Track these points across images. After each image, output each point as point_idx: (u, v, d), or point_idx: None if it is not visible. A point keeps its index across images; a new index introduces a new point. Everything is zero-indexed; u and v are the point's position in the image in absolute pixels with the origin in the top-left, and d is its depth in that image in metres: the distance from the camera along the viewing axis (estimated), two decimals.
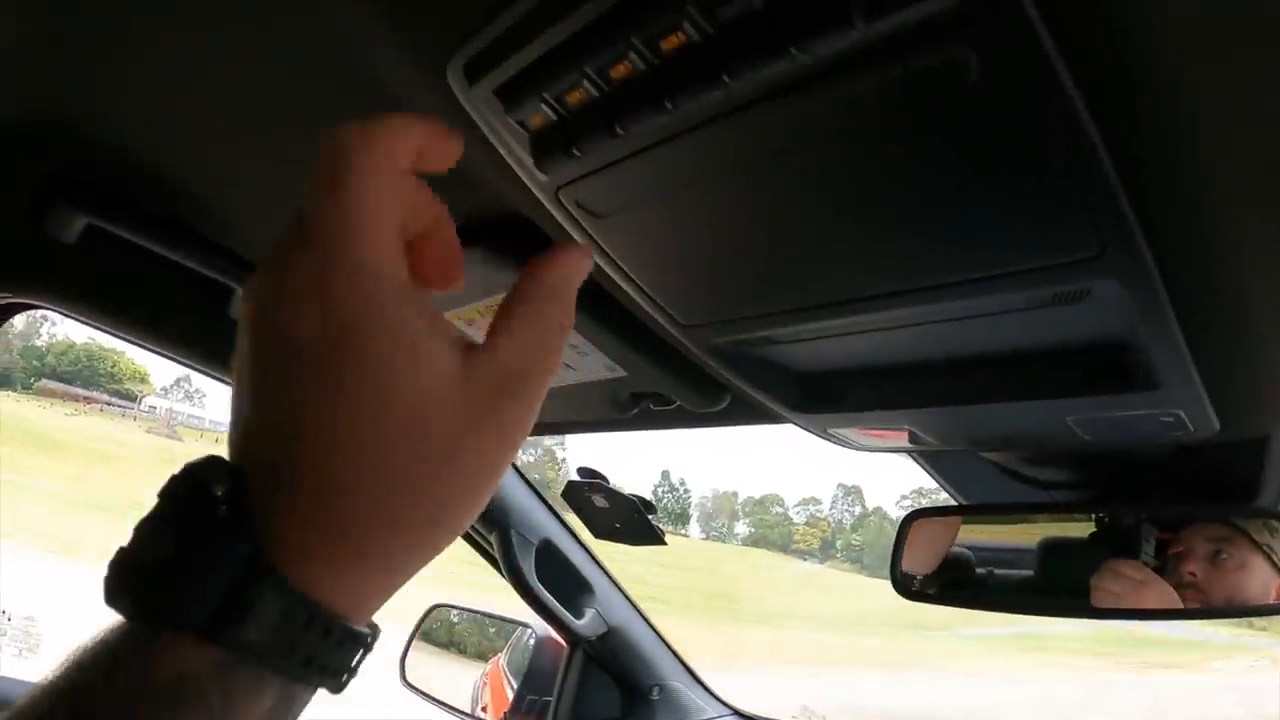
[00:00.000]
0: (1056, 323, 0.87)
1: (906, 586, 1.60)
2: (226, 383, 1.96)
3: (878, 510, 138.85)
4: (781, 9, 0.57)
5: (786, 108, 0.65)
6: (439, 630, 3.17)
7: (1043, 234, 0.71)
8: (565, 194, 0.85)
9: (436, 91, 0.81)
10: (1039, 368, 0.95)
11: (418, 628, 3.01)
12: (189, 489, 0.48)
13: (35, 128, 1.35)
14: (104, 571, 0.47)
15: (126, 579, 0.47)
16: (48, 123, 1.34)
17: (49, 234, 1.50)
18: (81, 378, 78.42)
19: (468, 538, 2.59)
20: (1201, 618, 1.37)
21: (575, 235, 0.92)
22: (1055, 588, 1.47)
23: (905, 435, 1.20)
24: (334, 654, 0.51)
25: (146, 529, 0.47)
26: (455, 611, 3.14)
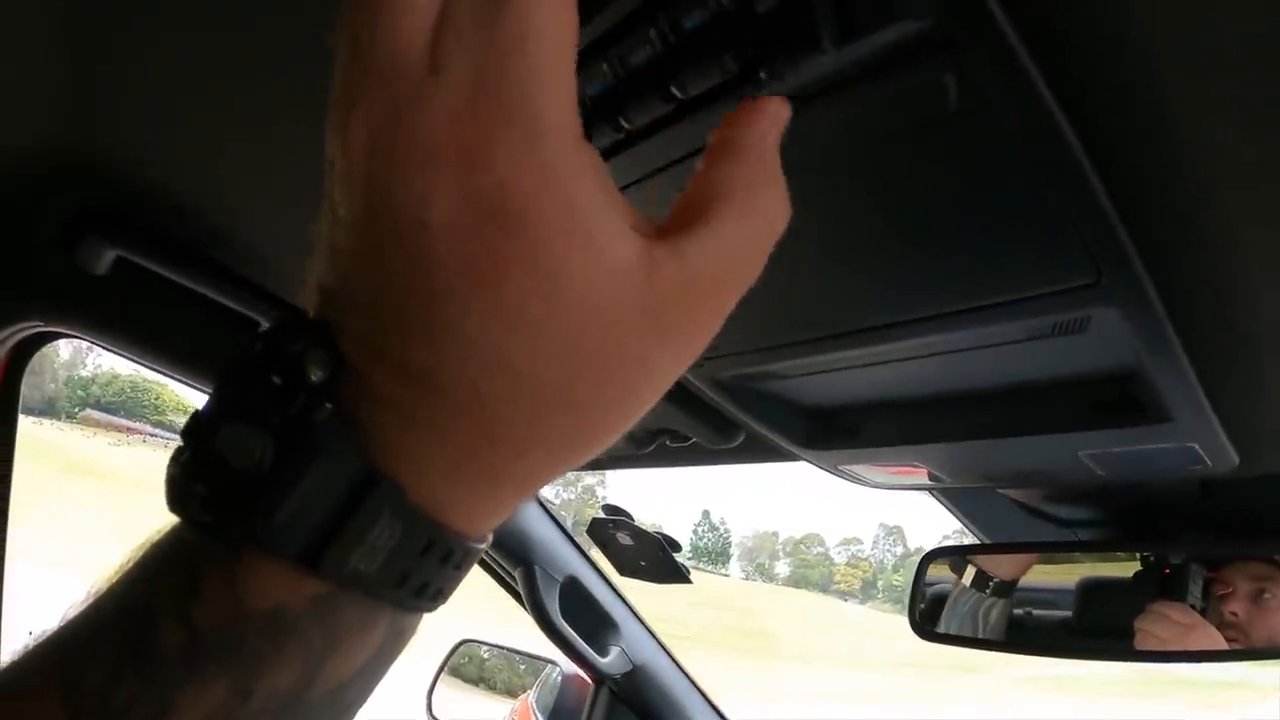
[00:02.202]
0: (1064, 354, 0.85)
1: (926, 628, 1.57)
2: None
3: (919, 550, 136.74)
4: (732, 34, 0.58)
5: None
6: (468, 666, 3.17)
7: (1036, 261, 0.70)
8: None
9: None
10: (1048, 401, 0.94)
11: (445, 662, 3.01)
12: (283, 373, 0.39)
13: (67, 160, 1.37)
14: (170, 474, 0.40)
15: (208, 487, 0.39)
16: (79, 155, 1.35)
17: (79, 265, 1.52)
18: (125, 408, 79.31)
19: (491, 572, 2.58)
20: (1245, 659, 1.33)
21: None
22: (1095, 629, 1.44)
23: (921, 472, 1.19)
24: (450, 578, 0.45)
25: (232, 425, 0.38)
26: (482, 648, 3.14)
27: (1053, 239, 0.67)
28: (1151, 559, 1.38)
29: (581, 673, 2.69)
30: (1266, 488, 1.26)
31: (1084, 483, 1.13)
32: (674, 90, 0.61)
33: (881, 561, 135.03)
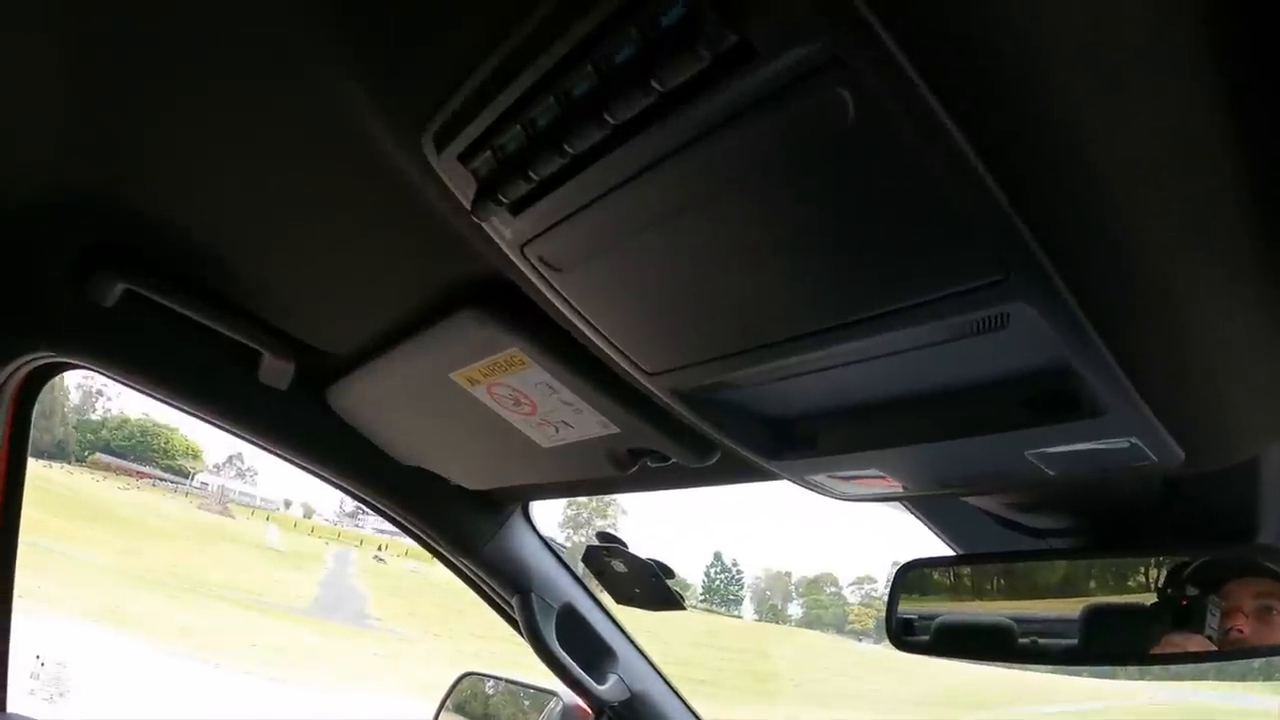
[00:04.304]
0: (997, 354, 0.89)
1: (903, 639, 1.59)
2: (252, 442, 2.03)
3: None
4: (654, 61, 0.64)
5: (696, 157, 0.72)
6: (473, 703, 3.16)
7: (947, 263, 0.74)
8: (529, 250, 0.94)
9: (421, 164, 0.93)
10: (988, 401, 0.97)
11: (448, 695, 3.02)
12: None
13: (77, 197, 1.44)
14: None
15: None
16: (89, 193, 1.42)
17: (89, 298, 1.58)
18: (135, 452, 78.98)
19: (488, 600, 2.62)
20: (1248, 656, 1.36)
21: (544, 290, 1.01)
22: (1103, 656, 1.47)
23: (885, 481, 1.21)
24: None
25: None
26: (486, 681, 3.14)
27: (959, 239, 0.71)
28: (1169, 591, 1.39)
29: (583, 703, 2.70)
30: (1230, 488, 1.29)
31: (1038, 483, 1.15)
32: (654, 84, 0.65)
33: None
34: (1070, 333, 0.80)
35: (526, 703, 3.42)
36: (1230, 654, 1.34)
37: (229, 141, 1.22)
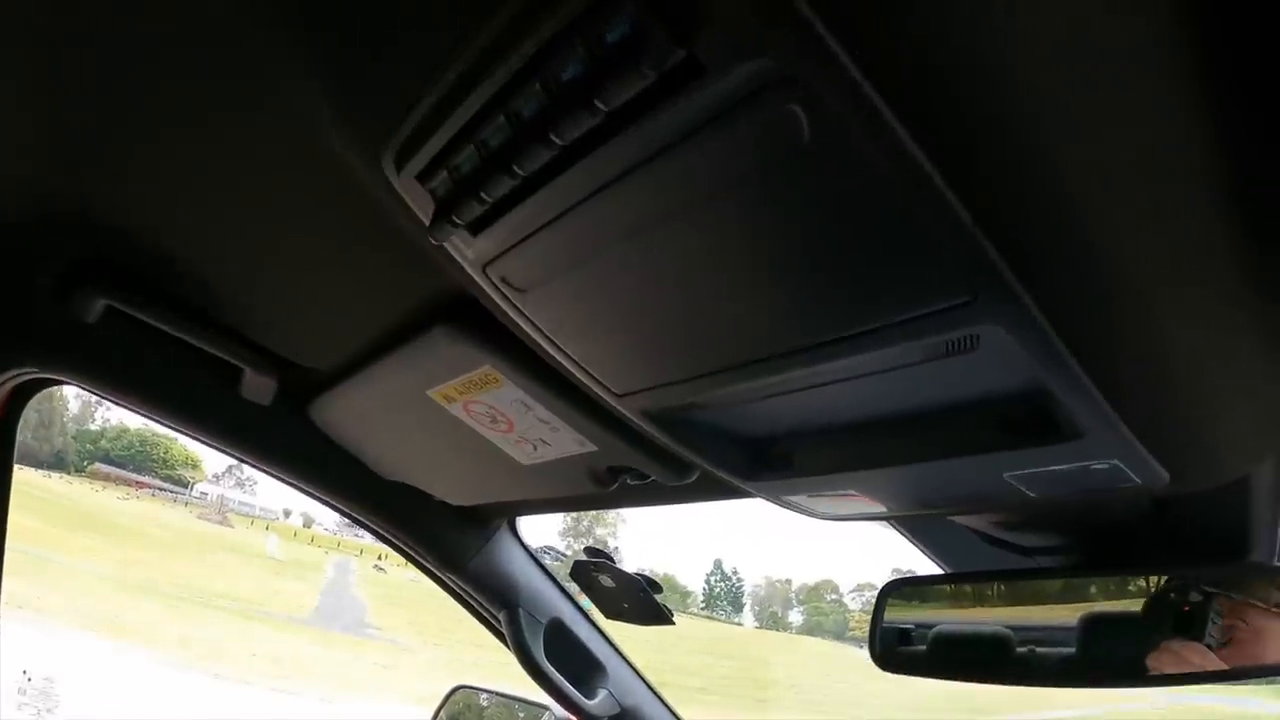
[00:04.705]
0: (971, 376, 0.88)
1: (889, 660, 1.58)
2: (238, 457, 2.05)
3: None
4: (600, 79, 0.63)
5: (650, 177, 0.71)
6: (466, 715, 3.15)
7: (914, 284, 0.73)
8: (492, 271, 0.94)
9: (384, 184, 0.93)
10: (965, 424, 0.96)
11: (440, 709, 3.00)
12: None
13: (59, 214, 1.44)
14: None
15: None
16: (71, 210, 1.42)
17: (71, 314, 1.58)
18: (134, 462, 79.06)
19: (476, 615, 2.60)
20: (1247, 678, 1.34)
21: (509, 311, 1.01)
22: (1099, 663, 1.44)
23: (864, 500, 1.20)
24: None
25: None
26: (479, 694, 3.13)
27: (925, 260, 0.70)
28: (1171, 596, 1.38)
29: (572, 717, 2.69)
30: (1219, 504, 1.27)
31: (1019, 505, 1.13)
32: (599, 103, 0.64)
33: None
34: (1043, 354, 0.78)
35: (521, 715, 3.41)
36: (1226, 675, 1.32)
37: (208, 159, 1.22)
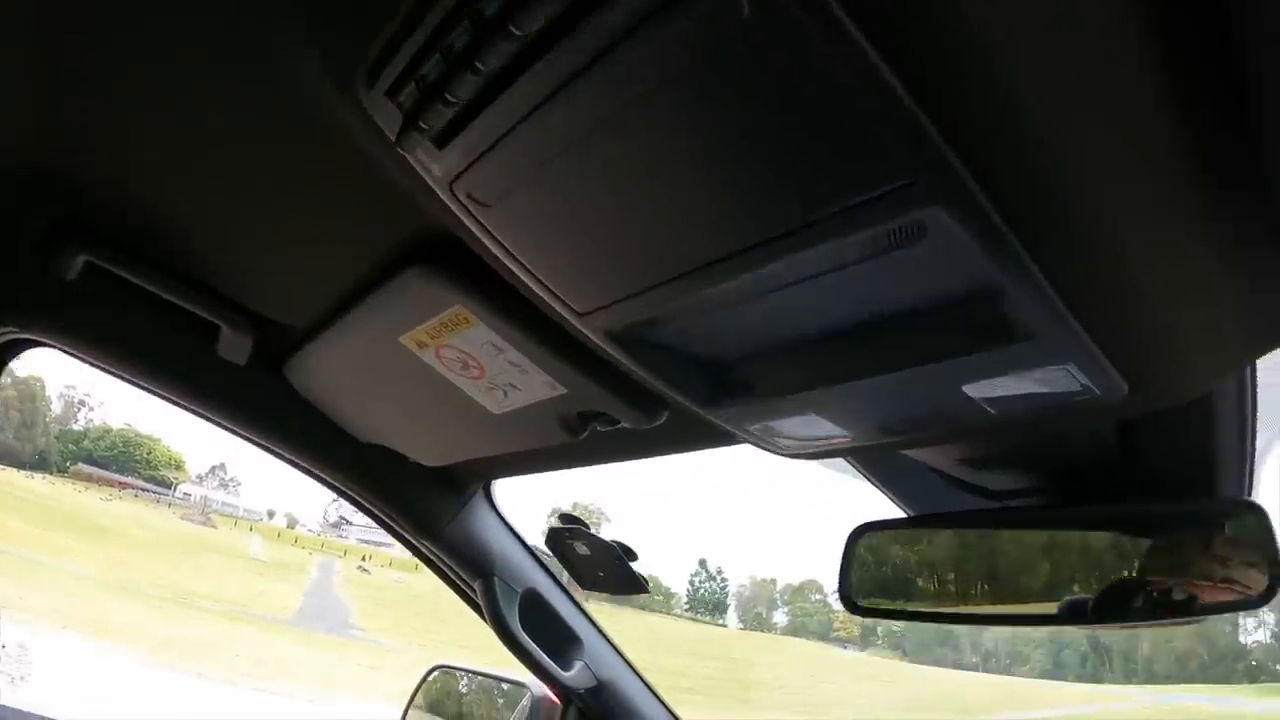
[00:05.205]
0: (924, 274, 0.86)
1: (855, 603, 1.57)
2: (214, 421, 2.06)
3: None
4: None
5: (605, 72, 0.73)
6: (446, 704, 3.13)
7: (857, 169, 0.73)
8: (458, 188, 0.95)
9: (356, 108, 0.96)
10: (921, 330, 0.95)
11: (418, 689, 3.02)
12: None
13: (40, 171, 1.46)
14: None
15: None
16: (51, 167, 1.44)
17: (52, 271, 1.60)
18: (118, 463, 78.78)
19: (454, 586, 2.59)
20: (1196, 615, 1.35)
21: (474, 230, 1.02)
22: (1065, 604, 1.44)
23: (829, 427, 1.19)
24: None
25: None
26: (458, 674, 3.12)
27: (866, 142, 0.70)
28: (1128, 532, 1.40)
29: (552, 695, 2.68)
30: (1186, 439, 1.28)
31: (984, 427, 1.13)
32: (514, 29, 0.69)
33: None
34: (988, 243, 0.78)
35: (500, 699, 3.40)
36: (1192, 611, 1.33)
37: (182, 111, 1.24)
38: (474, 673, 3.15)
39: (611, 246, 0.98)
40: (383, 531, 2.44)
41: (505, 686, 3.07)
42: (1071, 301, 0.85)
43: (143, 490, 75.82)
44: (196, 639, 28.32)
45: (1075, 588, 1.43)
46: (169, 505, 72.95)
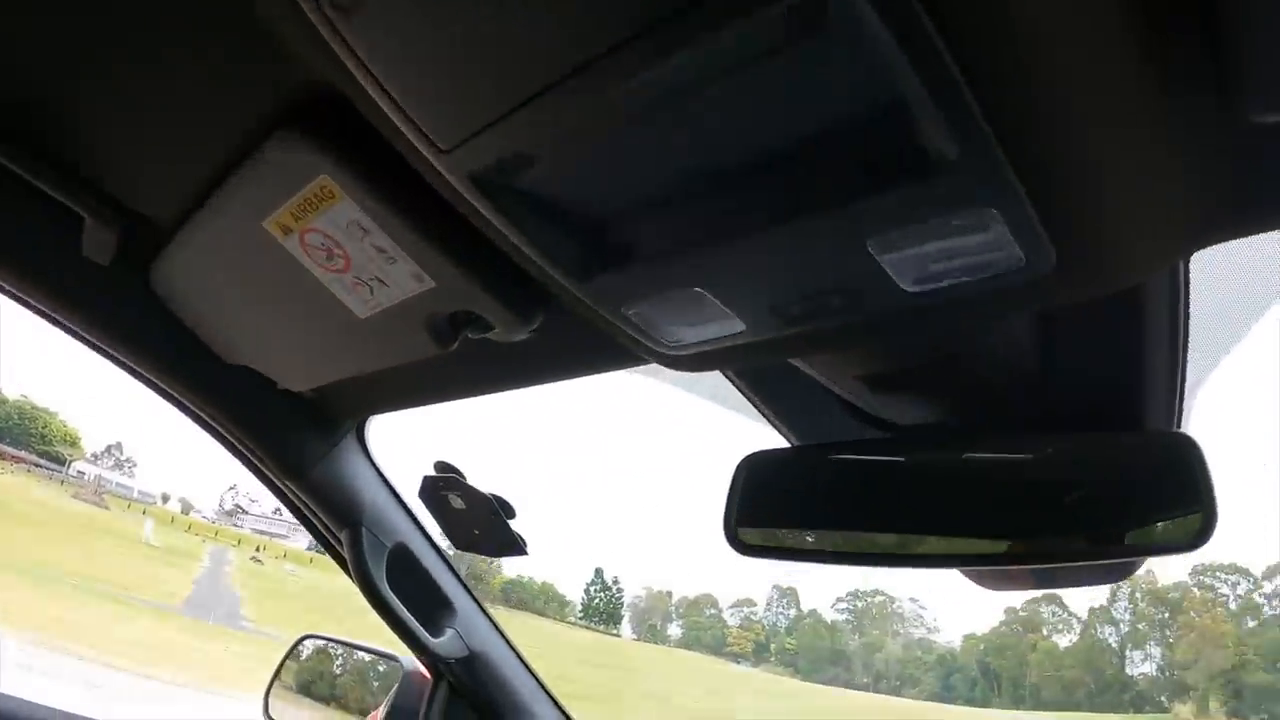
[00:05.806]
0: (824, 85, 0.75)
1: (743, 541, 1.46)
2: (72, 331, 1.94)
3: (813, 613, 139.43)
4: None
5: None
6: (319, 685, 3.03)
7: None
8: None
9: None
10: (820, 167, 0.83)
11: (285, 659, 2.93)
12: None
13: None
14: None
15: None
16: None
17: None
18: (11, 435, 77.52)
19: (319, 537, 2.44)
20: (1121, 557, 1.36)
21: (335, 47, 0.92)
22: (972, 545, 1.37)
23: (718, 310, 1.07)
24: None
25: None
26: (327, 644, 3.02)
27: None
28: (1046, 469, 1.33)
29: (423, 669, 2.57)
30: (1112, 366, 1.23)
31: (895, 312, 1.01)
32: None
33: (774, 624, 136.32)
34: (899, 23, 0.66)
35: (374, 677, 3.28)
36: (1113, 554, 1.32)
37: None
38: (343, 643, 3.03)
39: (477, 58, 0.87)
40: (279, 523, 2.32)
41: (379, 665, 2.98)
42: (999, 128, 0.74)
43: (35, 465, 74.78)
44: (81, 621, 28.07)
45: (986, 526, 1.33)
46: (61, 483, 72.14)
